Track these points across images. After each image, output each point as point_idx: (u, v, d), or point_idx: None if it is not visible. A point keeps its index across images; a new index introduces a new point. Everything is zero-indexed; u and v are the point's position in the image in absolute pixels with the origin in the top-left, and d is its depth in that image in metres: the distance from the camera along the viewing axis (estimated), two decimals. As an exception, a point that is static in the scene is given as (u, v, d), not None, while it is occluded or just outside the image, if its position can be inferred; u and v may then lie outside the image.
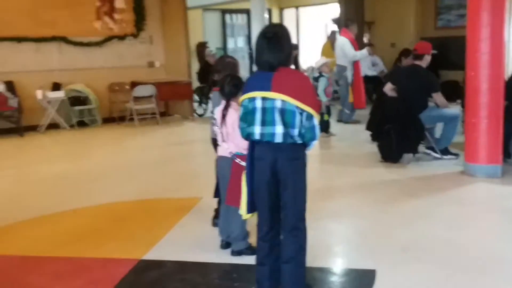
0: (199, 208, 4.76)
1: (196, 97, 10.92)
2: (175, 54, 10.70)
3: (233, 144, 3.42)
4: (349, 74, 8.88)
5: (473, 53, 5.37)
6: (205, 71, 10.39)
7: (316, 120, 2.81)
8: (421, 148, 6.41)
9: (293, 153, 2.85)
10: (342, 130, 8.29)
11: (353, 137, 7.92)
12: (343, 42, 8.89)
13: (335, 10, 13.08)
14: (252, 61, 13.14)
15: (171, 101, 10.96)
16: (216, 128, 3.51)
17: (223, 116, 3.42)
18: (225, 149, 3.48)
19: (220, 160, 3.56)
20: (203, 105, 10.80)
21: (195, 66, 11.55)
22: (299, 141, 2.85)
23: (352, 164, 6.30)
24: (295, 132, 2.81)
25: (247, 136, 2.92)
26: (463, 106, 6.45)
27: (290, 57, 2.89)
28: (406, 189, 5.24)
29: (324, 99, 7.78)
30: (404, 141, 6.04)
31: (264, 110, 2.83)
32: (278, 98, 2.78)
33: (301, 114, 2.79)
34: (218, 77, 3.89)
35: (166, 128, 9.66)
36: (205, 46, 11.87)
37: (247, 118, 2.89)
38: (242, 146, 3.37)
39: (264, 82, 2.82)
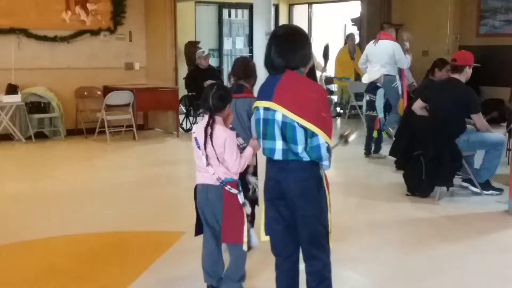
0: (180, 245, 4.72)
1: (182, 108, 10.94)
2: (159, 55, 10.75)
3: (222, 168, 3.46)
4: (399, 84, 8.96)
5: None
6: (195, 77, 10.43)
7: (321, 139, 2.90)
8: (457, 180, 6.41)
9: (299, 173, 2.96)
10: (361, 154, 8.29)
11: (375, 163, 7.93)
12: (394, 47, 8.89)
13: (355, 9, 13.20)
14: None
15: (152, 112, 10.97)
16: (197, 150, 3.53)
17: (207, 135, 3.45)
18: (210, 176, 3.49)
19: (203, 189, 3.57)
20: (191, 118, 10.81)
21: (183, 70, 11.59)
22: (306, 159, 2.94)
23: (372, 197, 6.29)
24: (298, 148, 2.92)
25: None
26: (509, 130, 6.47)
27: (305, 60, 3.01)
28: (437, 230, 5.21)
29: (381, 114, 7.97)
30: (436, 171, 6.04)
31: (265, 121, 3.00)
32: (279, 110, 2.92)
33: (304, 128, 2.90)
34: (235, 82, 4.00)
35: (145, 145, 9.65)
36: (196, 47, 11.93)
37: (256, 129, 3.10)
38: (234, 170, 3.46)
39: (268, 89, 2.98)
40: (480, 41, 11.27)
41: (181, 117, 10.85)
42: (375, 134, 8.12)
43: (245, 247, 3.49)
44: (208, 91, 3.51)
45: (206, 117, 3.51)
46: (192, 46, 12.09)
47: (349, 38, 11.39)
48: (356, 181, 7.08)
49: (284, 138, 2.94)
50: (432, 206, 5.95)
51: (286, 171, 2.97)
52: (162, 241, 4.83)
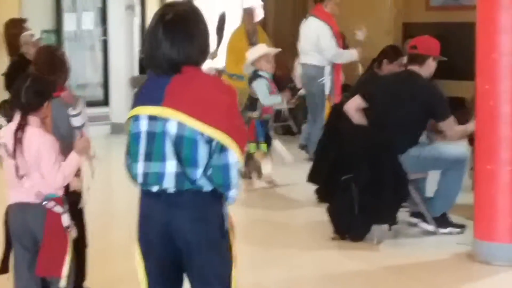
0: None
1: (1, 119, 10.66)
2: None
3: (43, 181, 3.77)
4: (327, 81, 9.07)
5: (486, 54, 5.62)
6: (20, 72, 10.17)
7: (233, 155, 2.97)
8: (403, 215, 6.59)
9: (197, 209, 3.01)
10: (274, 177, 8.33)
11: (289, 192, 8.01)
12: (318, 30, 9.11)
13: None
14: (107, 57, 13.07)
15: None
16: (6, 159, 3.83)
17: (18, 140, 3.72)
18: (26, 191, 3.78)
19: (19, 210, 3.85)
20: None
21: (2, 61, 11.31)
22: (206, 188, 3.00)
23: (285, 244, 6.36)
24: (198, 173, 2.97)
25: (135, 177, 3.09)
26: (471, 142, 6.70)
27: (206, 51, 3.15)
28: (377, 287, 5.33)
29: (275, 100, 7.96)
30: (373, 202, 6.18)
31: (151, 136, 3.02)
32: (173, 118, 2.97)
33: (209, 143, 2.97)
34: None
35: None
36: (22, 27, 11.67)
37: (130, 149, 3.09)
38: (55, 184, 3.80)
39: (155, 91, 3.03)
40: (431, 16, 11.66)
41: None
42: (251, 147, 7.89)
43: (63, 284, 3.76)
44: (20, 83, 3.82)
45: (18, 117, 3.80)
46: (15, 27, 11.81)
47: (245, 13, 11.25)
48: (261, 220, 7.14)
49: (178, 158, 2.97)
50: (369, 253, 6.09)
51: (179, 206, 3.01)
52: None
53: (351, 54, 9.27)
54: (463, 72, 9.90)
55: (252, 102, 8.05)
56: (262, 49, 8.26)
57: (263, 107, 7.97)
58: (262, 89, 7.90)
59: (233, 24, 11.84)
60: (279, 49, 8.50)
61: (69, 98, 4.34)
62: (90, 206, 4.66)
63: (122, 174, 3.24)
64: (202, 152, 2.97)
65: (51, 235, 3.78)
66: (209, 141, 2.97)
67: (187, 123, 2.95)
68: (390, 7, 12.03)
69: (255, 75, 8.04)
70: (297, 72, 10.69)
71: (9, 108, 10.30)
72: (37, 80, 3.88)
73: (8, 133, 3.83)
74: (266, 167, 8.14)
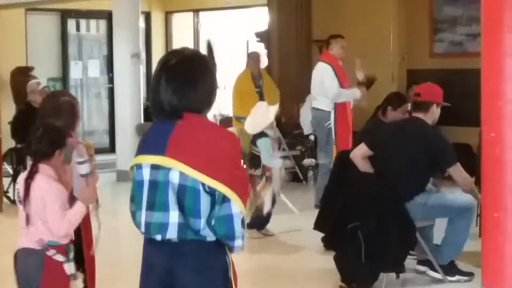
0: None
1: (8, 168, 10.65)
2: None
3: (44, 228, 3.87)
4: (333, 124, 9.13)
5: (492, 101, 5.62)
6: (26, 120, 10.19)
7: (236, 206, 2.96)
8: (410, 263, 6.54)
9: (200, 259, 2.99)
10: (278, 225, 8.31)
11: (295, 240, 7.97)
12: (322, 69, 9.23)
13: (261, 18, 13.44)
14: (114, 104, 13.12)
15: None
16: (18, 205, 3.98)
17: (27, 187, 3.87)
18: (30, 237, 3.89)
19: (22, 255, 3.97)
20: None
21: (9, 110, 11.34)
22: (210, 238, 2.99)
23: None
24: (201, 223, 2.96)
25: (138, 225, 3.09)
26: (479, 188, 6.69)
27: (210, 98, 3.14)
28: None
29: (271, 162, 7.88)
30: (380, 250, 6.14)
31: (153, 185, 3.02)
32: (175, 168, 2.96)
33: (210, 194, 2.96)
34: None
35: None
36: (28, 76, 11.74)
37: (135, 196, 3.09)
38: (59, 232, 3.87)
39: (158, 139, 3.05)
40: (435, 63, 11.72)
41: (6, 181, 10.56)
42: None
43: None
44: (33, 132, 3.95)
45: (30, 165, 3.96)
46: (22, 75, 11.90)
47: (250, 58, 11.33)
48: (266, 268, 7.10)
49: (181, 208, 2.96)
50: (378, 301, 6.02)
51: (182, 256, 2.99)
52: None
53: (353, 93, 9.31)
54: (468, 118, 9.91)
55: (254, 159, 8.05)
56: (270, 111, 8.20)
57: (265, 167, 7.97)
58: (266, 148, 7.92)
59: (239, 67, 11.94)
60: (277, 106, 8.51)
61: (75, 145, 4.36)
62: (96, 255, 4.66)
63: (129, 222, 3.24)
64: (205, 202, 2.97)
65: (50, 283, 3.89)
66: (212, 191, 2.96)
67: (189, 174, 2.95)
68: (394, 54, 12.09)
69: (260, 133, 8.05)
70: (303, 118, 10.76)
71: (16, 155, 10.45)
72: (49, 129, 4.01)
73: (21, 180, 3.98)
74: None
